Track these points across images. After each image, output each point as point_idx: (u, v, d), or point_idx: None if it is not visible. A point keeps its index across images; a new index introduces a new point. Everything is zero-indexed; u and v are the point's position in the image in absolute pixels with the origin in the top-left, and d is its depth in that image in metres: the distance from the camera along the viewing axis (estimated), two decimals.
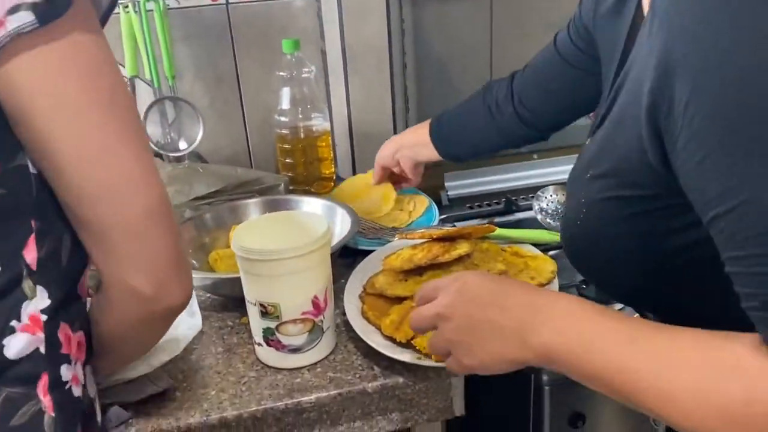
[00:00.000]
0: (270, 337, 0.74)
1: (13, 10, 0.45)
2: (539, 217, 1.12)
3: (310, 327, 0.74)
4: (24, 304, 0.51)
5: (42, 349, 0.52)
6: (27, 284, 0.51)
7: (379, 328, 0.77)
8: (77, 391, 0.55)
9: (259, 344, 0.76)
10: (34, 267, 0.51)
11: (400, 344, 0.74)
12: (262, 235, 0.75)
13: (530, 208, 1.15)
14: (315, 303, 0.74)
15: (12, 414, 0.50)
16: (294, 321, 0.73)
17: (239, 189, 1.08)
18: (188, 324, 0.81)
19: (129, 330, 0.58)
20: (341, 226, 0.96)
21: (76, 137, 0.49)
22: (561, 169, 1.31)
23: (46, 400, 0.52)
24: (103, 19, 0.54)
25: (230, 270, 0.90)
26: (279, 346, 0.75)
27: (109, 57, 0.52)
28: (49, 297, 0.52)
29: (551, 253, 0.93)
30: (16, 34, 0.46)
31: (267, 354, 0.76)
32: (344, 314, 0.81)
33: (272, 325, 0.73)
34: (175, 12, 1.16)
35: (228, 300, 0.90)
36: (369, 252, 0.94)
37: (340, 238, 0.91)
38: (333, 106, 1.26)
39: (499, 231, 0.93)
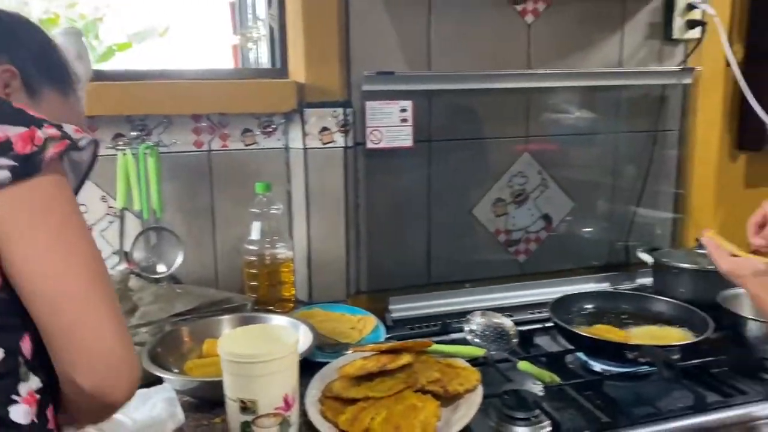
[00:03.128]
0: (246, 430, 0.88)
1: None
2: (468, 337, 1.30)
3: (281, 420, 0.89)
4: (20, 385, 0.62)
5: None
6: (23, 370, 0.63)
7: (336, 425, 0.93)
8: None
9: None
10: (29, 356, 0.64)
11: None
12: (242, 343, 0.91)
13: (461, 330, 1.34)
14: (285, 400, 0.89)
15: None
16: (268, 415, 0.88)
17: (212, 307, 1.24)
18: (171, 414, 0.94)
19: (82, 414, 0.70)
20: (303, 340, 1.13)
21: (25, 256, 0.62)
22: (487, 297, 1.53)
23: None
24: (84, 177, 0.69)
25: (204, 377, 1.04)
26: None
27: (70, 207, 0.66)
28: (41, 381, 0.64)
29: (477, 366, 1.11)
30: None
31: None
32: (305, 415, 0.96)
33: (249, 418, 0.88)
34: (165, 155, 1.37)
35: (202, 402, 1.03)
36: (325, 363, 1.10)
37: (304, 349, 1.07)
38: (295, 239, 1.47)
39: (435, 346, 1.12)
